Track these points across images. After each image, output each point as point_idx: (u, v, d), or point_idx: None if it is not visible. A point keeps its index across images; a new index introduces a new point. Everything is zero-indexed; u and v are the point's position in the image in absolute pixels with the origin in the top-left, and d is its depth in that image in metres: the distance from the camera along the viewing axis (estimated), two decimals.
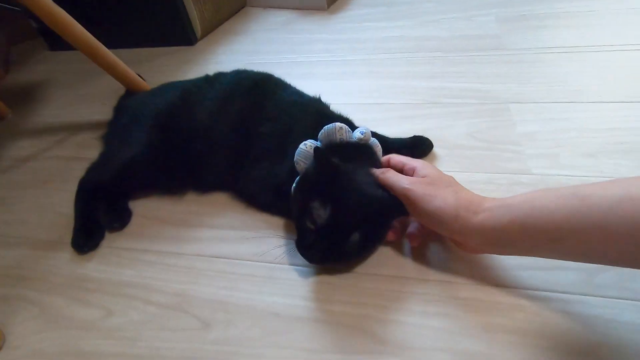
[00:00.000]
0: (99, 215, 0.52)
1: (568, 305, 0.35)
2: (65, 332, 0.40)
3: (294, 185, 0.42)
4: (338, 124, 0.44)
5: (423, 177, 0.39)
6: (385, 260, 0.42)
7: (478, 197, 0.37)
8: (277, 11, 1.16)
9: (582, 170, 0.49)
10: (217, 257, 0.45)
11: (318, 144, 0.44)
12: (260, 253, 0.45)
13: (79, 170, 0.62)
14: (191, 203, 0.54)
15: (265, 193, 0.49)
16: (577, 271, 0.38)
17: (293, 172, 0.44)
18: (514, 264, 0.39)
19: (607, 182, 0.30)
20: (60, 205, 0.56)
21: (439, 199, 0.36)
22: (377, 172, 0.41)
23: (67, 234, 0.51)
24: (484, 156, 0.53)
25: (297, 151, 0.43)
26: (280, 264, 0.43)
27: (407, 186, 0.38)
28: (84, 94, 0.88)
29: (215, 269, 0.44)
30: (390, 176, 0.40)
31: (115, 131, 0.61)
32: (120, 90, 0.74)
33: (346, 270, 0.41)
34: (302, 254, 0.39)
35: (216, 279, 0.43)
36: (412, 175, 0.40)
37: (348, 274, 0.41)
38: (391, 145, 0.52)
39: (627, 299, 0.35)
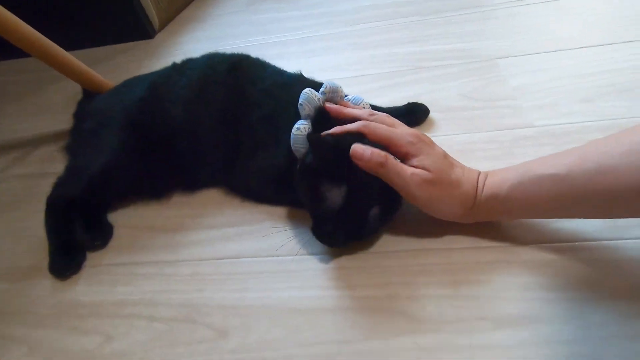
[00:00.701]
0: (75, 233, 0.47)
1: (596, 253, 0.34)
2: None
3: (296, 173, 0.39)
4: (307, 90, 0.41)
5: (425, 169, 0.35)
6: (400, 235, 0.40)
7: (473, 188, 0.35)
8: (231, 0, 1.09)
9: (582, 116, 0.48)
10: (220, 259, 0.42)
11: (306, 122, 0.40)
12: (267, 247, 0.41)
13: (48, 187, 0.56)
14: (180, 206, 0.50)
15: (266, 186, 0.46)
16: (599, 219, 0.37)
17: (291, 158, 0.40)
18: (534, 221, 0.38)
19: (578, 157, 0.31)
20: (35, 228, 0.50)
21: (446, 203, 0.36)
22: (377, 156, 0.35)
23: (45, 259, 0.45)
24: (482, 115, 0.52)
25: (292, 139, 0.39)
26: (290, 255, 0.40)
27: (414, 192, 0.34)
28: (40, 104, 0.80)
29: (221, 271, 0.41)
30: (392, 171, 0.34)
31: (80, 138, 0.55)
32: (78, 94, 0.67)
33: (362, 250, 0.39)
34: (324, 241, 0.37)
35: (224, 282, 0.39)
36: (404, 157, 0.36)
37: (365, 255, 0.39)
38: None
39: None
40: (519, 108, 0.51)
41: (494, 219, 0.37)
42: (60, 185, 0.50)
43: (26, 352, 0.38)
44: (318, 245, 0.39)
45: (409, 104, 0.53)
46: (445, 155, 0.37)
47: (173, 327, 0.37)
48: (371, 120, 0.39)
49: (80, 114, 0.61)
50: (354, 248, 0.39)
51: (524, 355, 0.29)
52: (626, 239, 0.35)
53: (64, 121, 0.67)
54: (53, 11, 0.91)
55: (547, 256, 0.35)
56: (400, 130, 0.38)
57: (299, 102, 0.41)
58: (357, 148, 0.35)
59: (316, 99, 0.41)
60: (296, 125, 0.40)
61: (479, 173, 0.37)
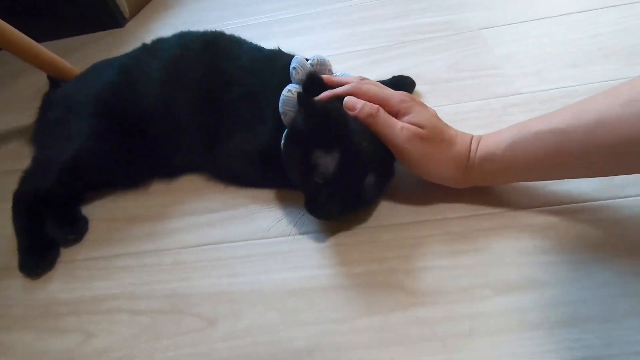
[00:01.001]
0: (46, 229, 0.43)
1: (596, 213, 0.33)
2: None
3: (283, 141, 0.37)
4: (298, 55, 0.39)
5: (417, 125, 0.34)
6: (395, 207, 0.38)
7: (466, 150, 0.34)
8: None
9: (570, 81, 0.47)
10: (205, 245, 0.39)
11: (297, 86, 0.38)
12: (255, 230, 0.39)
13: (14, 185, 0.52)
14: (160, 194, 0.47)
15: (250, 168, 0.43)
16: (595, 179, 0.36)
17: (277, 136, 0.38)
18: (531, 184, 0.37)
19: (578, 111, 0.30)
20: (3, 227, 0.47)
21: (438, 162, 0.34)
22: (369, 107, 0.34)
23: (12, 258, 0.42)
24: (470, 85, 0.50)
25: (281, 100, 0.37)
26: (281, 236, 0.38)
27: (404, 145, 0.33)
28: (5, 99, 0.75)
29: (207, 258, 0.38)
30: (382, 122, 0.34)
31: (47, 129, 0.51)
32: (44, 88, 0.63)
33: (356, 225, 0.37)
34: (318, 214, 0.35)
35: (210, 269, 0.37)
36: (396, 115, 0.35)
37: (360, 230, 0.37)
38: None
39: None
40: (506, 76, 0.50)
41: (489, 182, 0.36)
42: (27, 179, 0.47)
43: None
44: (310, 224, 0.37)
45: (394, 77, 0.51)
46: (438, 116, 0.36)
47: (157, 320, 0.34)
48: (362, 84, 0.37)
49: (46, 104, 0.57)
50: (348, 223, 0.37)
51: (528, 320, 0.28)
52: (623, 198, 0.34)
53: (31, 116, 0.62)
54: (20, 2, 0.86)
55: (546, 219, 0.34)
56: (391, 91, 0.36)
57: (292, 65, 0.38)
58: (350, 99, 0.35)
59: (308, 64, 0.39)
60: (287, 87, 0.37)
61: (473, 136, 0.35)
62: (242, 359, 0.30)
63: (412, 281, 0.32)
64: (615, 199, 0.34)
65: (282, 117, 0.37)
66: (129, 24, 0.90)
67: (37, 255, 0.41)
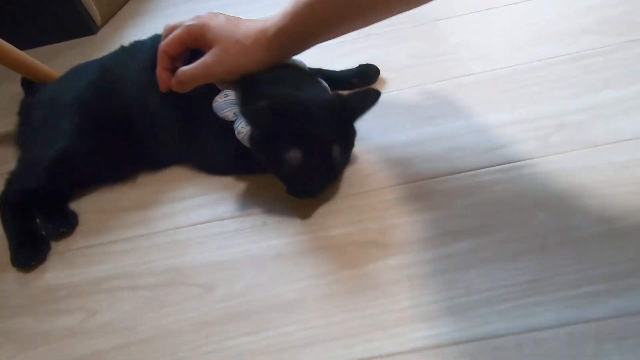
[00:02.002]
0: (35, 225, 0.45)
1: (535, 167, 0.39)
2: (47, 346, 0.36)
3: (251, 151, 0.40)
4: None
5: (211, 49, 0.40)
6: (366, 176, 0.43)
7: (262, 33, 0.40)
8: None
9: (516, 61, 0.53)
10: (197, 224, 0.42)
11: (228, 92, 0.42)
12: (242, 208, 0.43)
13: (0, 187, 0.54)
14: (147, 184, 0.49)
15: (226, 162, 0.47)
16: (533, 140, 0.42)
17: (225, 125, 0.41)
18: (480, 148, 0.42)
19: None
20: None
21: (246, 57, 0.40)
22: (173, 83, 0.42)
23: (6, 254, 0.44)
24: (429, 69, 0.56)
25: (214, 108, 0.41)
26: (267, 212, 0.42)
27: (219, 72, 0.41)
28: None
29: (200, 235, 0.41)
30: (189, 82, 0.41)
31: (30, 130, 0.53)
32: (20, 96, 0.64)
33: (331, 196, 0.41)
34: (303, 196, 0.39)
35: (204, 244, 0.40)
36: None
37: (335, 200, 0.41)
38: (339, 77, 0.54)
39: (577, 149, 0.40)
40: (460, 60, 0.56)
41: (298, 49, 0.43)
42: (14, 180, 0.48)
43: (2, 341, 0.37)
44: (290, 199, 0.41)
45: (360, 65, 0.56)
46: (228, 19, 0.41)
47: (158, 292, 0.37)
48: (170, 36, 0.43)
49: (26, 109, 0.58)
50: (325, 195, 0.41)
51: (484, 257, 0.33)
52: (554, 154, 0.40)
53: (9, 123, 0.64)
54: None
55: (493, 176, 0.39)
56: (179, 30, 0.42)
57: (220, 113, 0.42)
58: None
59: (221, 100, 0.42)
60: (221, 94, 0.41)
61: (266, 21, 0.41)
62: (240, 315, 0.34)
63: (383, 236, 0.37)
64: (549, 155, 0.40)
65: (240, 140, 0.40)
66: (102, 31, 0.92)
67: (29, 250, 0.43)
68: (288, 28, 0.40)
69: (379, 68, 0.56)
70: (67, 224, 0.46)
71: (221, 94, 0.41)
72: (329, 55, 0.64)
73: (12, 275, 0.42)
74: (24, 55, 0.61)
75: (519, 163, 0.40)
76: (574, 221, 0.34)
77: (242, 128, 0.40)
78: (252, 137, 0.39)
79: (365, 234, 0.37)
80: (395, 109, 0.51)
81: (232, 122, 0.41)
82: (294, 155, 0.37)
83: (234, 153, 0.45)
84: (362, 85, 0.55)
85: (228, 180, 0.47)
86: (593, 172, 0.38)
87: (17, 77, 0.65)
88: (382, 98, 0.51)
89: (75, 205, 0.48)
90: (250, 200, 0.43)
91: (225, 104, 0.41)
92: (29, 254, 0.43)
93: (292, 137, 0.37)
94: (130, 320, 0.36)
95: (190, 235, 0.42)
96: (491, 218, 0.36)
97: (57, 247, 0.44)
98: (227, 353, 0.32)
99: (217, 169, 0.48)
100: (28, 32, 0.89)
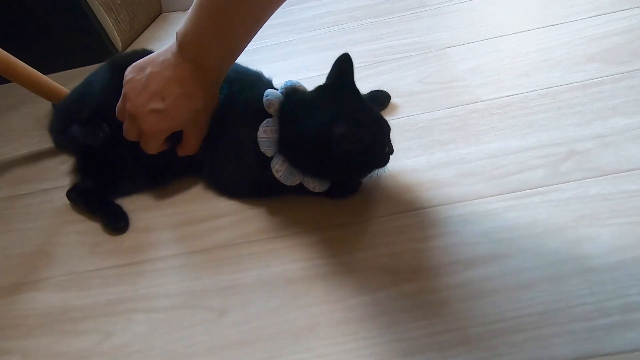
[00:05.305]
0: (112, 202, 0.51)
1: (547, 196, 0.39)
2: None
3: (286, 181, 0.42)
4: (269, 90, 0.43)
5: (141, 121, 0.43)
6: (378, 202, 0.43)
7: (182, 67, 0.42)
8: None
9: (522, 89, 0.54)
10: (210, 249, 0.43)
11: (270, 123, 0.42)
12: (255, 232, 0.44)
13: (21, 208, 0.56)
14: (161, 207, 0.50)
15: (243, 188, 0.48)
16: (543, 168, 0.42)
17: (262, 161, 0.42)
18: (491, 175, 0.43)
19: None
20: (10, 247, 0.50)
21: (183, 109, 0.43)
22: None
23: (25, 274, 0.45)
24: (439, 96, 0.57)
25: (259, 142, 0.41)
26: (280, 237, 0.42)
27: (162, 133, 0.44)
28: (2, 131, 0.78)
29: (213, 258, 0.42)
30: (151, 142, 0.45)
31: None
32: (41, 118, 0.67)
33: (345, 223, 0.42)
34: (350, 194, 0.44)
35: (217, 267, 0.41)
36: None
37: (347, 226, 0.42)
38: None
39: (589, 178, 0.40)
40: (470, 87, 0.57)
41: (222, 63, 0.44)
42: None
43: None
44: (305, 224, 0.42)
45: (372, 91, 0.58)
46: (145, 87, 0.43)
47: (171, 315, 0.38)
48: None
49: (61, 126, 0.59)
50: (337, 219, 0.42)
51: (496, 286, 0.33)
52: (566, 182, 0.40)
53: (30, 145, 0.68)
54: (14, 38, 0.90)
55: (506, 204, 0.40)
56: (119, 106, 0.46)
57: (265, 97, 0.42)
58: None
59: (279, 94, 0.43)
60: (261, 128, 0.41)
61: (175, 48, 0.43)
62: (252, 341, 0.34)
63: (394, 263, 0.37)
64: (560, 184, 0.40)
65: (278, 177, 0.41)
66: None
67: (116, 216, 0.48)
68: (188, 35, 0.41)
69: (389, 93, 0.58)
70: (125, 219, 0.49)
71: (262, 127, 0.42)
72: None
73: (35, 294, 0.43)
74: (48, 80, 0.64)
75: (531, 191, 0.40)
76: (588, 250, 0.34)
77: (279, 167, 0.41)
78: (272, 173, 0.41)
79: (377, 260, 0.38)
80: (405, 135, 0.52)
81: (268, 158, 0.42)
82: (314, 181, 0.40)
83: (258, 180, 0.46)
84: None
85: (241, 204, 0.48)
86: (605, 200, 0.38)
87: (39, 100, 0.68)
88: (391, 124, 0.53)
89: (93, 226, 0.50)
90: (264, 224, 0.44)
91: (269, 142, 0.41)
92: (118, 218, 0.48)
93: (317, 166, 0.41)
94: (144, 343, 0.36)
95: (203, 259, 0.42)
96: (503, 246, 0.36)
97: (74, 269, 0.45)
98: None
99: (237, 192, 0.49)
100: (52, 57, 0.94)
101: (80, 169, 0.56)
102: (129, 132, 0.46)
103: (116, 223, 0.48)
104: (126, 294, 0.41)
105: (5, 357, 0.38)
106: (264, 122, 0.42)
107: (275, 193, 0.46)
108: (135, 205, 0.51)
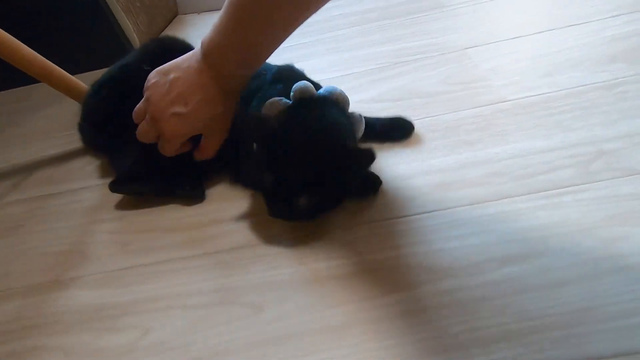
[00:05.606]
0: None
1: (577, 195, 0.40)
2: None
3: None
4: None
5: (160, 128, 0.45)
6: (407, 201, 0.44)
7: (202, 71, 0.43)
8: (212, 14, 1.14)
9: (546, 89, 0.55)
10: (238, 248, 0.44)
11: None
12: (289, 230, 0.44)
13: (51, 207, 0.57)
14: (190, 207, 0.51)
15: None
16: (572, 167, 0.43)
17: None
18: (518, 175, 0.43)
19: None
20: (43, 246, 0.51)
21: (203, 113, 0.44)
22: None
23: (61, 272, 0.46)
24: (462, 96, 0.58)
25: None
26: (313, 234, 0.43)
27: (179, 136, 0.46)
28: (26, 132, 0.80)
29: (246, 256, 0.43)
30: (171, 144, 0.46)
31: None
32: (65, 120, 0.69)
33: (373, 222, 0.43)
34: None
35: (251, 265, 0.42)
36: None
37: (378, 224, 0.42)
38: (369, 124, 0.50)
39: (619, 177, 0.41)
40: (492, 87, 0.58)
41: (244, 72, 0.45)
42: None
43: (59, 357, 0.38)
44: (332, 223, 0.42)
45: (394, 118, 0.53)
46: (168, 91, 0.44)
47: (210, 311, 0.38)
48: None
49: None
50: (369, 218, 0.43)
51: (533, 284, 0.34)
52: (598, 182, 0.41)
53: (57, 145, 0.69)
54: (36, 41, 0.92)
55: (537, 203, 0.40)
56: (139, 107, 0.47)
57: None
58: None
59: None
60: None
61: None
62: (290, 337, 0.35)
63: (429, 261, 0.37)
64: (591, 183, 0.41)
65: None
66: None
67: (192, 186, 0.51)
68: (213, 44, 0.41)
69: (408, 94, 0.59)
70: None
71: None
72: (358, 83, 0.67)
73: (73, 292, 0.44)
74: (75, 80, 0.66)
75: (561, 190, 0.41)
76: (622, 249, 0.35)
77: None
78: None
79: (411, 258, 0.38)
80: (429, 135, 0.52)
81: None
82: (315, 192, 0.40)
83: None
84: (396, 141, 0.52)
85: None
86: (637, 200, 0.38)
87: (59, 102, 0.69)
88: (415, 124, 0.53)
89: (122, 225, 0.51)
90: (291, 224, 0.45)
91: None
92: (195, 187, 0.51)
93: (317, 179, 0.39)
94: (182, 339, 0.37)
95: (236, 257, 0.43)
96: (537, 245, 0.36)
97: (108, 267, 0.46)
98: None
99: (255, 185, 0.49)
100: (73, 58, 0.95)
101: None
102: (146, 134, 0.47)
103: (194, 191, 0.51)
104: (161, 291, 0.42)
105: (48, 354, 0.39)
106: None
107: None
108: (162, 206, 0.52)
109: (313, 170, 0.39)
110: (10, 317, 0.44)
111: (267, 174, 0.40)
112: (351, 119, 0.46)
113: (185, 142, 0.47)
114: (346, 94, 0.47)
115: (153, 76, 0.46)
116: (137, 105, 0.47)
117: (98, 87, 0.60)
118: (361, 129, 0.47)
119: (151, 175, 0.52)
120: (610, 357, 0.29)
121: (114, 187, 0.52)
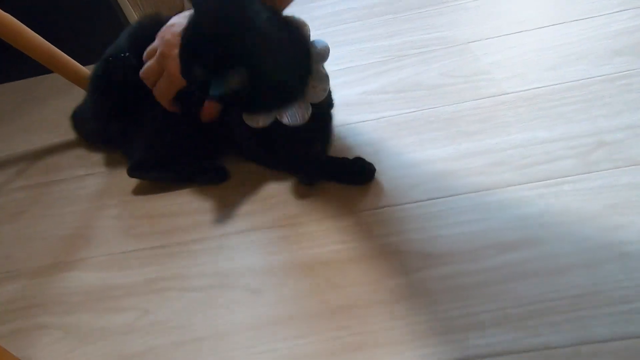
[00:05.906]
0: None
1: (577, 184, 0.40)
2: (102, 343, 0.37)
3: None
4: None
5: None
6: (405, 190, 0.44)
7: None
8: None
9: (549, 81, 0.55)
10: (243, 232, 0.44)
11: None
12: (288, 216, 0.45)
13: (56, 193, 0.58)
14: (195, 192, 0.52)
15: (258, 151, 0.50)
16: (572, 158, 0.43)
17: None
18: (520, 164, 0.43)
19: None
20: (46, 231, 0.52)
21: None
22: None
23: (65, 255, 0.47)
24: (463, 88, 0.58)
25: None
26: (312, 220, 0.43)
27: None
28: (32, 122, 0.80)
29: (246, 241, 0.43)
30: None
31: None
32: (70, 110, 0.69)
33: (374, 209, 0.43)
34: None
35: (250, 249, 0.42)
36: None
37: (378, 210, 0.43)
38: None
39: (618, 167, 0.41)
40: (494, 80, 0.58)
41: None
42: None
43: (61, 336, 0.39)
44: (333, 209, 0.42)
45: (354, 159, 0.47)
46: (176, 32, 0.43)
47: (208, 293, 0.39)
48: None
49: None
50: (366, 204, 0.43)
51: (531, 270, 0.34)
52: (596, 172, 0.41)
53: (60, 135, 0.70)
54: (42, 34, 0.93)
55: (537, 192, 0.40)
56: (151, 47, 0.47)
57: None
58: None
59: None
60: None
61: None
62: (288, 318, 0.35)
63: (428, 246, 0.38)
64: (590, 173, 0.41)
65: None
66: None
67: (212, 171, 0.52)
68: None
69: (411, 86, 0.59)
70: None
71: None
72: (363, 75, 0.67)
73: (76, 274, 0.45)
74: (85, 69, 0.66)
75: (561, 179, 0.41)
76: (622, 237, 0.35)
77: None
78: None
79: (410, 244, 0.38)
80: (430, 126, 0.52)
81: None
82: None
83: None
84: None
85: (270, 190, 0.49)
86: (637, 189, 0.38)
87: (65, 93, 0.70)
88: (416, 115, 0.54)
89: (127, 210, 0.51)
90: (293, 209, 0.45)
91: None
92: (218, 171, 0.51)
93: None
94: (182, 320, 0.37)
95: (236, 242, 0.43)
96: (536, 232, 0.37)
97: (112, 249, 0.47)
98: (279, 354, 0.33)
99: (253, 157, 0.51)
100: (80, 50, 0.96)
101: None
102: (151, 72, 0.47)
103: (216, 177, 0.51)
104: (163, 274, 0.42)
105: (47, 331, 0.40)
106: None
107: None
108: (168, 190, 0.52)
109: (224, 40, 0.36)
110: (16, 297, 0.44)
111: (197, 68, 0.37)
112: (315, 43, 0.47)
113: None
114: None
115: (172, 21, 0.46)
116: (150, 45, 0.48)
117: (91, 87, 0.60)
118: (324, 56, 0.48)
119: (166, 159, 0.52)
120: (608, 341, 0.29)
121: (132, 173, 0.53)
